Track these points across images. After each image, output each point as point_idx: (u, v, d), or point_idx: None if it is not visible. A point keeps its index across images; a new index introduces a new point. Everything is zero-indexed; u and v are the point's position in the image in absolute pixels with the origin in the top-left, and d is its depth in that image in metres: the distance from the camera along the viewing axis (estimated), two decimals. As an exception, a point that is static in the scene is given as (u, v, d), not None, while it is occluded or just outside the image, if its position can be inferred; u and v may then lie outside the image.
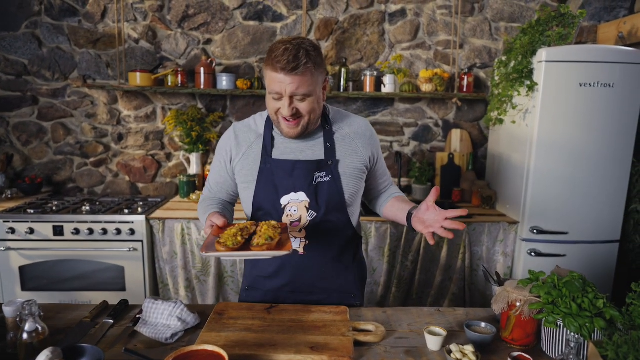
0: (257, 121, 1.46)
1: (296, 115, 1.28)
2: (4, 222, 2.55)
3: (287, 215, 1.38)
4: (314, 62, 1.24)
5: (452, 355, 1.08)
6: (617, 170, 2.57)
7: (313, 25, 3.16)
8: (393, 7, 3.17)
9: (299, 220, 1.38)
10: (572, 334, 1.05)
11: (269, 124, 1.42)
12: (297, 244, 1.41)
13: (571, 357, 1.02)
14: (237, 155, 1.42)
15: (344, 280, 1.50)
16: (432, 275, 2.75)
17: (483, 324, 1.23)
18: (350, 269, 1.51)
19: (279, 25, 3.15)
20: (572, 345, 1.02)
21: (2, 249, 2.55)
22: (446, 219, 1.18)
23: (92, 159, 3.26)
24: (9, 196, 2.97)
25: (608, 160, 2.55)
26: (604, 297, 1.09)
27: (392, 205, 1.50)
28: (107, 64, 3.14)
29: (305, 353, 1.11)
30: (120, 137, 3.24)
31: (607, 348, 0.90)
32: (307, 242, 1.40)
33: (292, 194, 1.37)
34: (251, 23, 3.14)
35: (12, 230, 2.56)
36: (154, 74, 3.01)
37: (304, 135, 1.36)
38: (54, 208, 2.70)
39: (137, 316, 1.30)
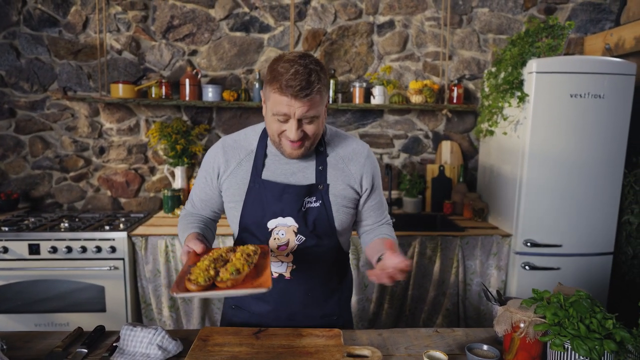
0: (249, 136, 1.37)
1: (302, 137, 1.21)
2: (-24, 240, 2.42)
3: (275, 239, 1.31)
4: (323, 85, 1.18)
5: (455, 383, 1.00)
6: (609, 181, 2.55)
7: (301, 37, 3.11)
8: (381, 19, 3.15)
9: (287, 244, 1.31)
10: (581, 357, 0.98)
11: (263, 142, 1.34)
12: (283, 268, 1.34)
13: (582, 383, 0.96)
14: (225, 171, 1.34)
15: (329, 304, 1.44)
16: (425, 290, 2.68)
17: (485, 347, 1.16)
18: (336, 292, 1.46)
19: (266, 36, 3.10)
20: (583, 370, 0.96)
21: (-27, 269, 2.42)
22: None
23: (72, 174, 3.14)
24: (-17, 213, 2.83)
25: (600, 171, 2.53)
26: (612, 317, 1.03)
27: (373, 247, 1.38)
28: (88, 75, 3.04)
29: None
30: (101, 151, 3.13)
31: (623, 375, 0.84)
32: (294, 266, 1.34)
33: (280, 218, 1.30)
34: (238, 34, 3.09)
35: (-15, 249, 2.42)
36: (137, 85, 2.92)
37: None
38: (30, 225, 2.57)
39: (114, 344, 1.20)
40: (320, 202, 1.31)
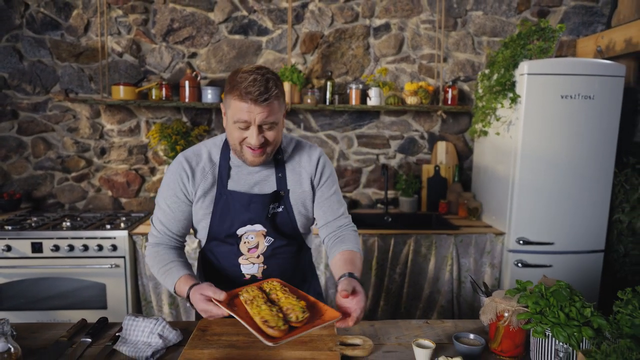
0: (210, 149, 1.41)
1: (263, 144, 1.26)
2: (-20, 239, 2.47)
3: (245, 242, 1.39)
4: (280, 92, 1.24)
5: (441, 368, 1.06)
6: (600, 180, 2.61)
7: (298, 39, 3.17)
8: (377, 22, 3.21)
9: (257, 247, 1.39)
10: (561, 343, 1.04)
11: (225, 154, 1.38)
12: (255, 269, 1.42)
13: (560, 367, 1.01)
14: (192, 187, 1.36)
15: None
16: (420, 287, 2.73)
17: (472, 336, 1.22)
18: (306, 283, 1.57)
19: (264, 39, 3.16)
20: (561, 355, 1.01)
21: (-23, 267, 2.47)
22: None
23: (73, 174, 3.19)
24: (-14, 212, 2.89)
25: (591, 170, 2.58)
26: (591, 305, 1.09)
27: (335, 264, 1.37)
28: (89, 77, 3.10)
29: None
30: (102, 152, 3.19)
31: (595, 357, 0.89)
32: (265, 266, 1.42)
33: (249, 225, 1.37)
34: (236, 37, 3.15)
35: (-11, 248, 2.47)
36: (137, 87, 2.98)
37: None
38: (33, 224, 2.62)
39: (117, 334, 1.25)
40: (282, 207, 1.39)
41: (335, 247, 1.41)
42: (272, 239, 1.39)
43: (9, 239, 2.49)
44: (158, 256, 1.37)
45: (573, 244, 2.63)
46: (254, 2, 3.11)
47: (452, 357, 1.09)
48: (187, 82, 2.94)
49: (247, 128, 1.23)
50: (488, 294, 1.31)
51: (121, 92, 2.87)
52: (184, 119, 3.18)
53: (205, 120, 3.20)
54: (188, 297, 1.21)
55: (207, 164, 1.38)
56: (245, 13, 3.12)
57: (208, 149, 1.41)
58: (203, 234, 1.42)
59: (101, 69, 3.03)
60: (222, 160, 1.38)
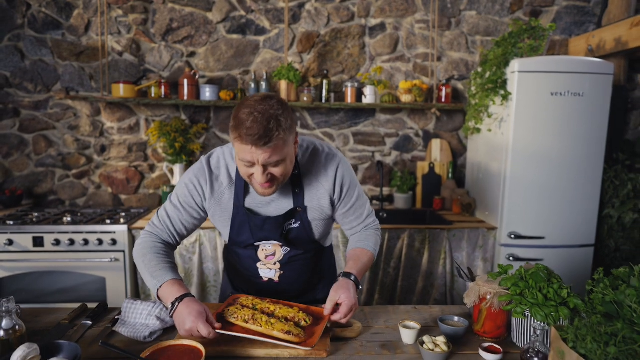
0: (228, 163, 1.38)
1: (271, 179, 1.23)
2: (-17, 233, 2.52)
3: (262, 250, 1.43)
4: (284, 129, 1.15)
5: (424, 346, 1.11)
6: (590, 176, 2.66)
7: (295, 39, 3.23)
8: (373, 21, 3.27)
9: (274, 255, 1.43)
10: (539, 322, 1.09)
11: None
12: (272, 274, 1.46)
13: (537, 344, 1.06)
14: (210, 197, 1.36)
15: (317, 291, 1.58)
16: (414, 281, 2.78)
17: (456, 318, 1.27)
18: (323, 280, 1.59)
19: (261, 38, 3.22)
20: (538, 332, 1.07)
21: (-20, 261, 2.52)
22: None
23: (74, 171, 3.25)
24: (-11, 208, 2.94)
25: (580, 166, 2.64)
26: (568, 287, 1.14)
27: (347, 257, 1.45)
28: (90, 76, 3.16)
29: (282, 348, 1.13)
30: (103, 149, 3.24)
31: (567, 332, 0.94)
32: (282, 272, 1.46)
33: (264, 241, 1.41)
34: (234, 36, 3.20)
35: (-9, 242, 2.53)
36: (137, 85, 3.03)
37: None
38: (34, 219, 2.67)
39: (116, 317, 1.30)
40: (299, 222, 1.40)
41: (353, 244, 1.48)
42: (289, 249, 1.43)
43: (11, 233, 2.54)
44: (154, 247, 1.33)
45: (564, 239, 2.68)
46: (251, 2, 3.17)
47: (435, 337, 1.14)
48: (185, 81, 2.99)
49: (252, 166, 1.19)
50: (473, 279, 1.36)
51: (121, 90, 2.93)
52: (183, 117, 3.24)
53: (203, 118, 3.26)
54: (174, 302, 1.16)
55: (225, 178, 1.36)
56: (243, 13, 3.18)
57: (227, 162, 1.38)
58: (225, 238, 1.46)
59: (101, 68, 3.08)
60: (238, 178, 1.35)
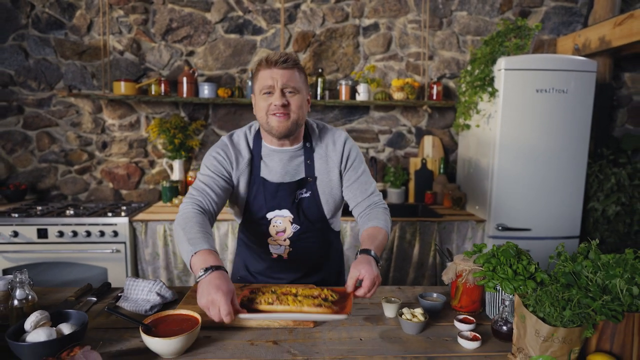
0: (247, 137, 1.51)
1: (286, 107, 1.37)
2: (-11, 225, 2.62)
3: (273, 226, 1.52)
4: (299, 65, 1.41)
5: (403, 316, 1.20)
6: (574, 170, 2.76)
7: (291, 38, 3.33)
8: (367, 21, 3.37)
9: (284, 231, 1.52)
10: (508, 295, 1.18)
11: (258, 142, 1.50)
12: (282, 250, 1.56)
13: (506, 313, 1.16)
14: (234, 164, 1.48)
15: (323, 272, 1.65)
16: (405, 272, 2.88)
17: (435, 294, 1.37)
18: (329, 262, 1.67)
19: (258, 38, 3.32)
20: (507, 303, 1.16)
21: (-14, 251, 2.61)
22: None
23: (76, 167, 3.34)
24: (-6, 202, 3.03)
25: (565, 160, 2.73)
26: (536, 263, 1.24)
27: (361, 241, 1.44)
28: (92, 74, 3.26)
29: (272, 320, 1.22)
30: (104, 145, 3.34)
31: (529, 298, 1.04)
32: (291, 249, 1.55)
33: (277, 210, 1.50)
34: (232, 36, 3.31)
35: (-3, 234, 2.62)
36: (138, 83, 3.13)
37: (291, 135, 1.42)
38: (38, 212, 2.77)
39: (119, 294, 1.40)
40: (310, 192, 1.51)
41: (364, 225, 1.48)
42: (299, 226, 1.51)
43: (16, 225, 2.63)
44: (195, 216, 1.31)
45: (549, 230, 2.78)
46: (248, 3, 3.27)
47: (413, 310, 1.24)
48: (185, 79, 3.09)
49: (271, 94, 1.37)
50: (452, 259, 1.46)
51: (122, 88, 3.03)
52: (182, 114, 3.33)
53: (202, 116, 3.36)
54: (208, 268, 1.11)
55: (245, 152, 1.49)
56: (240, 13, 3.28)
57: (246, 138, 1.52)
58: (239, 214, 1.57)
59: (103, 67, 3.18)
60: (255, 147, 1.49)
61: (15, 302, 1.11)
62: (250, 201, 1.50)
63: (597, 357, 0.99)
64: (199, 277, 1.09)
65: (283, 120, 1.37)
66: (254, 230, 1.56)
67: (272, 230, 1.52)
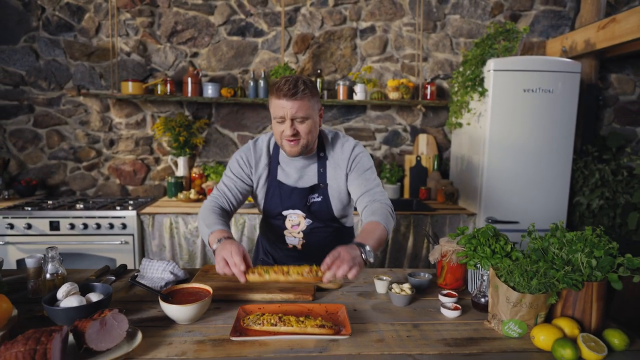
0: (269, 144, 1.68)
1: (296, 135, 1.48)
2: (3, 218, 2.75)
3: (289, 220, 1.68)
4: (310, 91, 1.46)
5: (392, 290, 1.35)
6: (560, 166, 2.90)
7: (291, 40, 3.48)
8: (363, 24, 3.51)
9: (298, 225, 1.68)
10: (486, 271, 1.33)
11: (277, 149, 1.66)
12: (296, 242, 1.71)
13: (483, 288, 1.30)
14: (254, 168, 1.65)
15: None
16: (400, 263, 3.02)
17: (422, 273, 1.51)
18: None
19: (260, 40, 3.46)
20: (485, 278, 1.31)
21: (1, 243, 2.74)
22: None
23: (84, 163, 3.48)
24: (6, 197, 3.17)
25: (551, 157, 2.88)
26: (512, 243, 1.38)
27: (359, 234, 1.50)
28: (100, 75, 3.40)
29: (274, 293, 1.36)
30: (111, 143, 3.48)
31: (501, 270, 1.18)
32: (304, 241, 1.70)
33: (291, 210, 1.66)
34: (235, 38, 3.45)
35: (11, 226, 2.75)
36: (144, 83, 3.27)
37: (304, 154, 1.57)
38: (50, 206, 2.90)
39: (135, 274, 1.54)
40: (321, 197, 1.66)
41: (365, 220, 1.53)
42: (311, 221, 1.67)
43: (30, 217, 2.77)
44: (213, 209, 1.54)
45: (537, 223, 2.88)
46: (250, 7, 3.41)
47: (402, 285, 1.38)
48: (189, 79, 3.23)
49: (283, 122, 1.47)
50: (437, 242, 1.60)
51: (130, 87, 3.17)
52: (186, 113, 3.48)
53: (205, 114, 3.50)
54: (220, 239, 1.33)
55: (265, 157, 1.66)
56: (242, 16, 3.43)
57: (268, 145, 1.68)
58: (261, 207, 1.73)
59: (111, 67, 3.32)
60: (274, 153, 1.66)
61: (48, 276, 1.24)
62: (268, 200, 1.67)
63: (561, 321, 1.13)
64: (214, 248, 1.32)
65: (294, 145, 1.51)
66: (272, 224, 1.73)
67: (287, 224, 1.69)
